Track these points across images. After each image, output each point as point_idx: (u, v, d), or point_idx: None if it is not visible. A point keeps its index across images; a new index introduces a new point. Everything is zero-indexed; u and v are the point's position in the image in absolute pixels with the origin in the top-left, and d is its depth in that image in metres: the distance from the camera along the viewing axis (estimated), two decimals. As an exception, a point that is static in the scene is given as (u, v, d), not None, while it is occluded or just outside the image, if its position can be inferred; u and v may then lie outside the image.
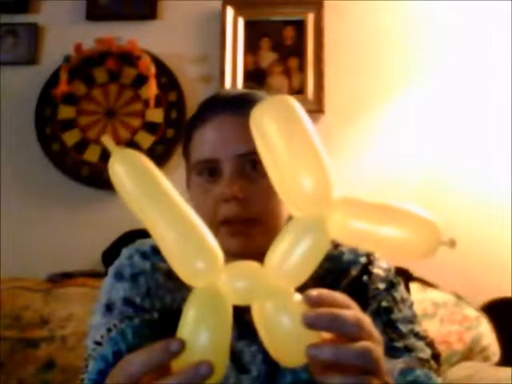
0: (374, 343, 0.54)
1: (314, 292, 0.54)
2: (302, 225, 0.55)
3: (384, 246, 0.55)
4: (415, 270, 1.75)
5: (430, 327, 1.58)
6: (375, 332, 0.56)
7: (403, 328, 0.80)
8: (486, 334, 1.68)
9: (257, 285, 0.54)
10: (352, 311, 0.55)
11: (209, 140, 0.80)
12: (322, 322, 0.52)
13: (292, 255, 0.54)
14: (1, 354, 1.64)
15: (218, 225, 0.76)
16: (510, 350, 1.67)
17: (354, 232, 0.55)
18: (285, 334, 0.53)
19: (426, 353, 0.79)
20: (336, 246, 0.86)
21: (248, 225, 0.76)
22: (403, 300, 0.84)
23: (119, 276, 0.82)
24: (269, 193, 0.68)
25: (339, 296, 0.56)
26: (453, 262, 1.89)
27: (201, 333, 0.52)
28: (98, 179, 2.03)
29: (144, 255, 0.83)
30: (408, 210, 0.54)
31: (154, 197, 0.54)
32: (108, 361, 0.75)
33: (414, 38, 2.08)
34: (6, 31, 2.17)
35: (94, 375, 0.75)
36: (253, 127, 0.57)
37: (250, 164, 0.77)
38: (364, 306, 0.77)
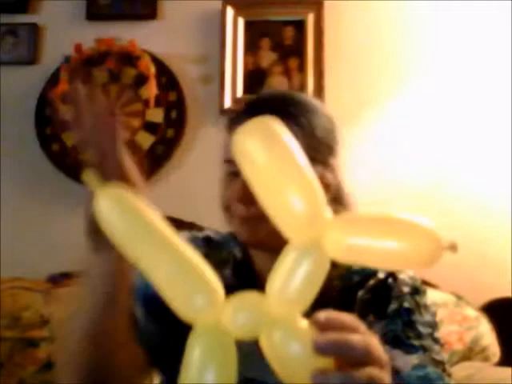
0: (381, 368, 0.55)
1: (322, 316, 0.54)
2: (299, 249, 0.54)
3: (385, 259, 0.54)
4: (415, 270, 1.75)
5: (430, 327, 1.58)
6: (383, 355, 0.56)
7: (422, 330, 0.82)
8: (486, 333, 1.68)
9: (260, 316, 0.53)
10: (360, 335, 0.54)
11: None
12: (332, 348, 0.52)
13: (292, 281, 0.53)
14: (1, 354, 1.64)
15: (232, 215, 0.84)
16: (510, 350, 1.67)
17: (352, 249, 0.54)
18: (295, 361, 0.53)
19: (442, 356, 0.81)
20: None
21: (254, 220, 0.81)
22: (426, 307, 0.86)
23: None
24: None
25: (347, 318, 0.55)
26: (453, 262, 1.89)
27: (207, 373, 0.52)
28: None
29: (193, 240, 0.89)
30: (405, 220, 0.53)
31: (145, 235, 0.53)
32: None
33: (414, 38, 2.08)
34: (5, 31, 2.17)
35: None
36: (236, 152, 0.56)
37: None
38: (386, 305, 0.83)
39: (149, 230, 0.53)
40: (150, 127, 2.08)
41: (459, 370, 1.53)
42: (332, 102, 2.04)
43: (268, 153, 0.54)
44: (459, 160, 1.99)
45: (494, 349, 1.67)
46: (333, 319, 0.54)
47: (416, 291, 0.87)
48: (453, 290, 1.77)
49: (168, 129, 2.08)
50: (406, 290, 0.86)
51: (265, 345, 0.54)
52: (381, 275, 0.86)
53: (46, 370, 1.64)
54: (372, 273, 0.86)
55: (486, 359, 1.65)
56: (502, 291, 1.79)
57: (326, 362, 0.52)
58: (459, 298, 1.74)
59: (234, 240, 0.89)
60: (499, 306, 1.78)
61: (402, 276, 0.87)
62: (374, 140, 2.02)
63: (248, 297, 0.54)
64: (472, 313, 1.71)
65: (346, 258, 0.55)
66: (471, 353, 1.65)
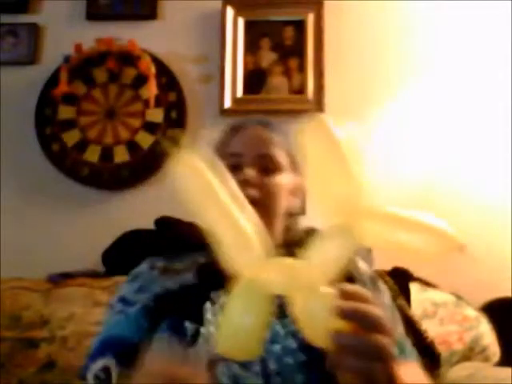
0: (389, 339, 0.64)
1: (348, 287, 0.64)
2: (334, 231, 0.66)
3: (404, 248, 0.65)
4: (415, 270, 1.75)
5: (430, 327, 1.58)
6: (392, 329, 0.65)
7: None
8: (486, 333, 1.68)
9: (294, 278, 0.64)
10: (377, 308, 0.64)
11: (241, 140, 1.06)
12: (353, 314, 0.62)
13: (325, 255, 0.65)
14: (1, 354, 1.64)
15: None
16: (510, 350, 1.66)
17: (379, 237, 0.65)
18: (318, 320, 0.63)
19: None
20: None
21: (252, 206, 0.88)
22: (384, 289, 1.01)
23: (129, 277, 1.04)
24: (274, 186, 0.98)
25: (367, 293, 0.66)
26: (453, 262, 1.90)
27: (247, 317, 0.63)
28: (98, 179, 2.03)
29: (152, 262, 1.04)
30: (425, 219, 0.64)
31: (211, 200, 0.66)
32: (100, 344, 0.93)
33: (414, 38, 2.08)
34: (6, 31, 2.17)
35: (88, 360, 0.92)
36: (296, 144, 0.68)
37: (265, 164, 1.02)
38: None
39: (214, 196, 0.66)
40: (149, 127, 2.09)
41: (459, 370, 1.53)
42: (332, 102, 2.04)
43: (324, 146, 0.66)
44: (459, 160, 1.99)
45: (494, 349, 1.67)
46: (356, 291, 0.64)
47: (374, 278, 1.01)
48: (453, 290, 1.77)
49: (168, 129, 2.08)
50: (366, 274, 1.00)
51: (295, 303, 0.64)
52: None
53: (46, 370, 1.64)
54: None
55: (486, 359, 1.65)
56: (502, 291, 1.79)
57: (343, 325, 0.62)
58: (459, 297, 1.74)
59: (199, 248, 0.95)
60: (499, 305, 1.78)
61: (360, 264, 1.01)
62: (374, 140, 2.02)
63: (286, 260, 0.66)
64: (472, 313, 1.71)
65: (373, 243, 0.68)
66: (471, 353, 1.65)
